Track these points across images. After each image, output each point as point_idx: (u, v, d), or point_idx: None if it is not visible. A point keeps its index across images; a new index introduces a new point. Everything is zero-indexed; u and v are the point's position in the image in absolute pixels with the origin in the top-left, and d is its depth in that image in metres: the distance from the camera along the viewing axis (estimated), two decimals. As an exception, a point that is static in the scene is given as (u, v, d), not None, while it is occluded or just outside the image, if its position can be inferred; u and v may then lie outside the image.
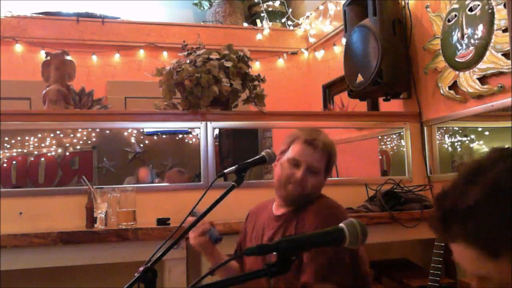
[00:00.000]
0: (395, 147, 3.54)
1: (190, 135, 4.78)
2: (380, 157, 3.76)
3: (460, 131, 3.16)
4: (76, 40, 4.49)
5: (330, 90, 4.69)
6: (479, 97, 2.73)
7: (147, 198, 2.63)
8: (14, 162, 4.30)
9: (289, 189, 1.72)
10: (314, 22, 4.82)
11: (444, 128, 3.19)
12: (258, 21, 5.06)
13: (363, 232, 1.03)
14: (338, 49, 4.37)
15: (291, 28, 5.07)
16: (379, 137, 3.73)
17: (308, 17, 4.93)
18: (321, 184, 1.77)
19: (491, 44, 2.59)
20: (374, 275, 2.73)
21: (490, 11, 2.60)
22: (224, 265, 1.06)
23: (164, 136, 4.86)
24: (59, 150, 4.45)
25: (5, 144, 4.23)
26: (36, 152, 4.37)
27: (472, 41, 2.71)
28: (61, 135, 4.47)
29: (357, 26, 3.23)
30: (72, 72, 3.05)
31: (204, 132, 2.82)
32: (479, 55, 2.66)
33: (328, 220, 1.61)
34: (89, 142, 4.55)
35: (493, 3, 2.58)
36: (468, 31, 2.74)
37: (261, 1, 5.19)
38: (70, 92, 3.07)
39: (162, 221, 2.41)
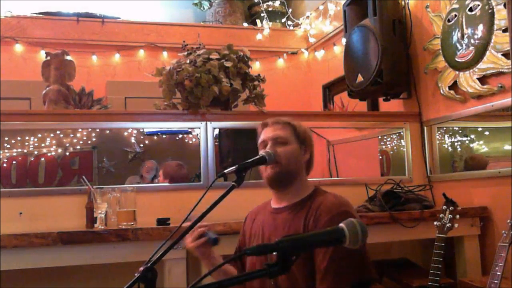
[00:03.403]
0: (395, 147, 3.54)
1: (190, 135, 4.77)
2: (380, 157, 3.76)
3: (460, 131, 3.16)
4: (76, 40, 4.49)
5: (330, 90, 4.69)
6: (479, 97, 2.74)
7: (147, 198, 2.63)
8: (14, 162, 4.30)
9: (269, 169, 1.75)
10: (314, 22, 4.82)
11: (444, 128, 3.18)
12: (258, 21, 5.06)
13: (363, 231, 1.03)
14: (338, 49, 4.37)
15: (291, 28, 5.07)
16: (379, 137, 3.73)
17: (308, 17, 4.93)
18: (295, 154, 1.77)
19: (491, 44, 2.59)
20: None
21: (490, 11, 2.60)
22: (223, 265, 1.06)
23: (164, 136, 4.85)
24: (59, 150, 4.44)
25: (5, 144, 4.23)
26: (36, 152, 4.36)
27: (472, 41, 2.71)
28: (61, 135, 4.47)
29: (357, 26, 3.23)
30: (72, 72, 3.05)
31: (204, 132, 2.82)
32: (479, 55, 2.66)
33: (341, 219, 1.57)
34: (89, 142, 4.55)
35: (493, 3, 2.58)
36: (468, 31, 2.74)
37: (261, 1, 5.19)
38: (70, 92, 3.06)
39: (162, 221, 2.41)
